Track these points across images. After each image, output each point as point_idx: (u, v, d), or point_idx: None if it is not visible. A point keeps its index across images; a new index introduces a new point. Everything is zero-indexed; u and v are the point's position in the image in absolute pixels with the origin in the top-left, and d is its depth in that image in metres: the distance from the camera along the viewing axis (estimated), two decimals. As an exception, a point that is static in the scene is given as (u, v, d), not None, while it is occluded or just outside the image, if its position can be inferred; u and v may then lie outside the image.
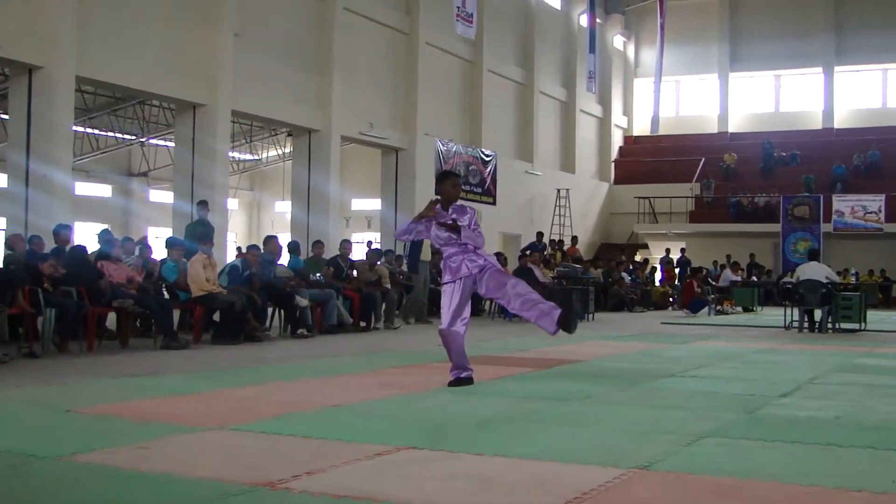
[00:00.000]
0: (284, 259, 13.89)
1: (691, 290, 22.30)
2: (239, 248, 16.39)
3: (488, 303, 18.27)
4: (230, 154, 24.05)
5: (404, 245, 16.75)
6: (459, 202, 7.22)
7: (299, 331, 12.32)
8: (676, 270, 27.59)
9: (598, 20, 33.66)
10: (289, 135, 27.45)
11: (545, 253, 22.93)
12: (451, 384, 6.98)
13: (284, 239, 15.21)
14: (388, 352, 10.43)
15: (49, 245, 11.26)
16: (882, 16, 36.00)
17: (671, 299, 25.61)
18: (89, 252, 11.01)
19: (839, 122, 37.22)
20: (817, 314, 15.54)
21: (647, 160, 37.90)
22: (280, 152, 33.36)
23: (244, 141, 31.24)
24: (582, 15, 33.92)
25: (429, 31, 24.98)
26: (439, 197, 7.20)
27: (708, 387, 7.34)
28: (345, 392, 6.66)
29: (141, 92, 19.34)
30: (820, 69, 37.34)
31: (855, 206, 30.54)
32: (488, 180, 26.67)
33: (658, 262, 29.41)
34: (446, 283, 7.05)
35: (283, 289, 12.46)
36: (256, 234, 35.89)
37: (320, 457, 4.34)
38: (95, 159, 29.75)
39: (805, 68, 37.72)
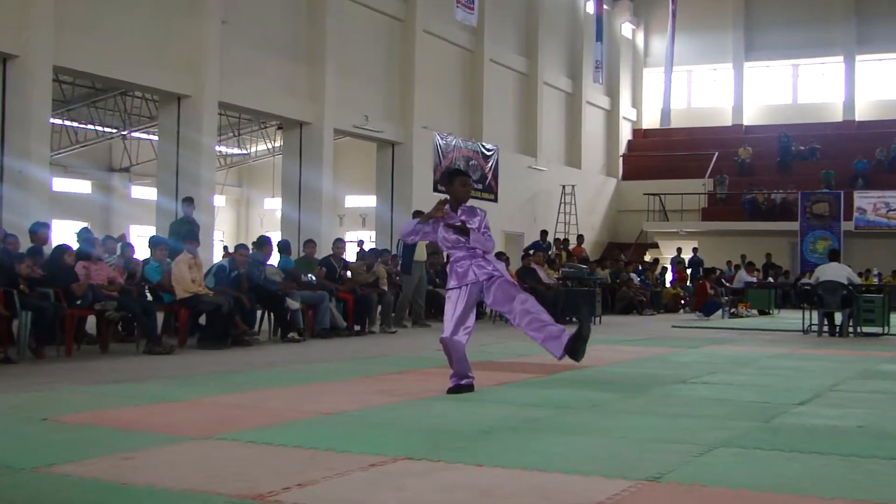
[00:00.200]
0: (274, 259, 13.89)
1: (704, 292, 22.30)
2: (226, 248, 16.39)
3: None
4: (217, 148, 24.04)
5: (397, 245, 16.76)
6: (469, 203, 7.20)
7: (290, 335, 12.33)
8: (688, 271, 27.59)
9: (605, 6, 33.67)
10: (279, 128, 27.45)
11: (549, 253, 22.93)
12: (450, 391, 6.99)
13: (274, 238, 15.22)
14: (384, 357, 10.43)
15: (25, 244, 11.25)
16: (906, 2, 36.03)
17: (682, 301, 25.61)
18: (72, 251, 11.00)
19: (861, 114, 37.22)
20: (837, 317, 15.52)
21: (657, 154, 37.90)
22: (270, 146, 33.37)
23: (232, 134, 31.24)
24: (588, 1, 33.96)
25: (427, 18, 24.98)
26: (448, 197, 7.16)
27: (721, 394, 7.34)
28: (338, 399, 6.66)
29: (122, 82, 19.34)
30: (840, 58, 37.33)
31: (877, 203, 30.53)
32: (489, 176, 26.69)
33: (669, 262, 29.40)
34: (451, 288, 7.03)
35: (273, 291, 12.46)
36: (244, 233, 35.94)
37: (312, 468, 4.34)
38: (74, 153, 29.76)
39: (825, 57, 37.72)
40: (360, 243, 26.99)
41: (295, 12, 21.14)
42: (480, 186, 26.14)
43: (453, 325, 6.94)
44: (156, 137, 24.55)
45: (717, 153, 36.28)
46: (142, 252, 13.48)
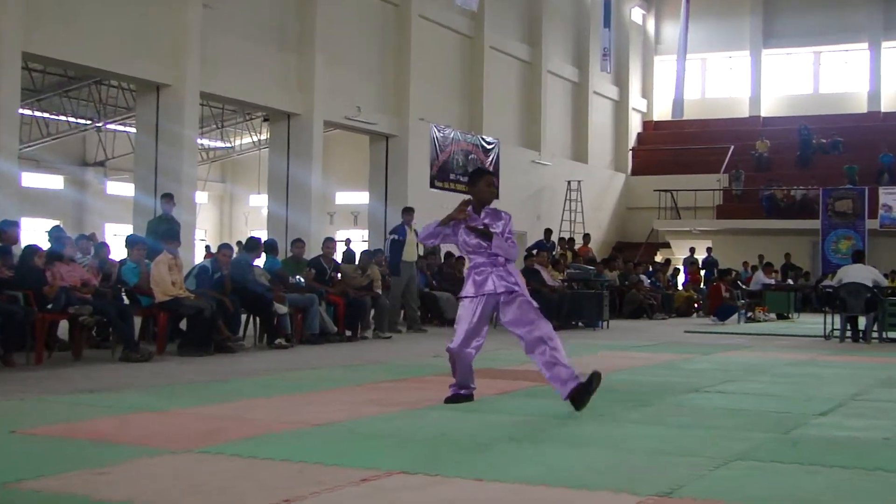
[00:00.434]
0: (260, 260, 13.86)
1: (718, 295, 22.30)
2: (208, 248, 16.39)
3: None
4: (199, 141, 24.05)
5: (385, 244, 16.77)
6: (493, 205, 7.13)
7: (277, 340, 12.31)
8: (702, 272, 27.58)
9: (613, -10, 33.70)
10: (265, 120, 27.46)
11: (554, 253, 22.94)
12: (447, 400, 7.00)
13: (260, 237, 15.22)
14: (378, 364, 10.43)
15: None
16: (935, -16, 36.08)
17: (696, 305, 25.61)
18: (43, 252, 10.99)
19: (887, 104, 37.25)
20: (861, 322, 15.54)
21: (668, 148, 37.92)
22: (255, 139, 33.34)
23: (215, 126, 31.23)
24: (596, -16, 33.96)
25: (423, 2, 24.99)
26: (471, 197, 7.10)
27: (737, 403, 7.35)
28: (328, 409, 6.67)
29: (97, 70, 19.30)
30: (865, 45, 37.39)
31: (904, 201, 30.53)
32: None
33: (681, 262, 29.41)
34: (466, 297, 6.98)
35: (261, 294, 12.45)
36: (228, 232, 35.95)
37: (300, 483, 4.34)
38: (45, 146, 29.71)
39: (848, 44, 37.77)
40: (348, 242, 27.05)
41: (282, -4, 21.14)
42: (480, 182, 26.12)
43: (463, 337, 6.92)
44: (133, 130, 24.51)
45: (732, 147, 36.30)
46: (118, 252, 13.46)
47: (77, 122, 29.33)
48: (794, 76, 39.21)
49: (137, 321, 11.61)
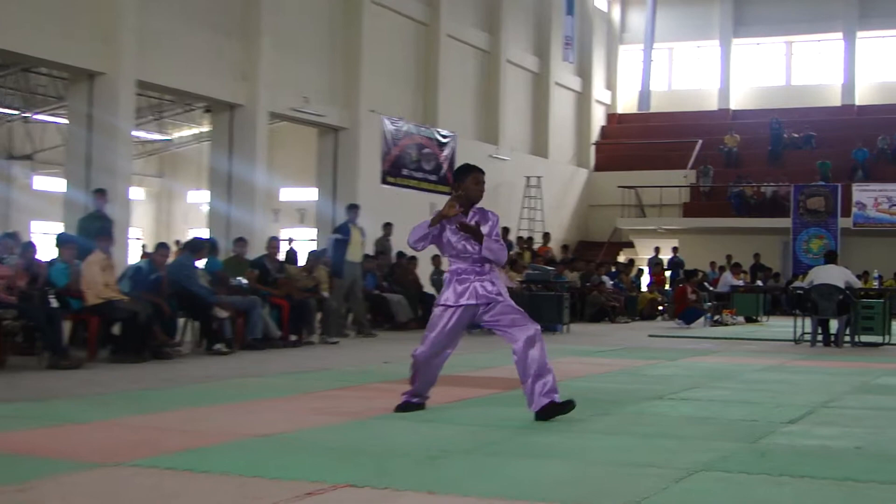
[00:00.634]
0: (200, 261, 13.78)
1: (684, 297, 22.48)
2: (144, 247, 16.25)
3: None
4: (135, 133, 23.83)
5: (328, 242, 16.72)
6: (481, 205, 7.02)
7: (217, 346, 12.25)
8: (667, 273, 27.79)
9: (576, -25, 33.83)
10: (206, 111, 27.25)
11: (511, 253, 23.00)
12: (398, 409, 6.99)
13: (200, 235, 15.12)
14: (324, 371, 10.42)
15: None
16: (912, -27, 36.54)
17: (660, 308, 25.79)
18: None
19: (861, 97, 37.73)
20: (833, 325, 15.70)
21: (633, 142, 38.16)
22: (195, 132, 33.12)
23: (152, 117, 30.97)
24: (557, -31, 34.08)
25: (374, -14, 24.96)
26: (461, 193, 6.94)
27: (703, 411, 7.41)
28: (270, 419, 6.64)
29: (23, 56, 19.07)
30: (840, 35, 37.80)
31: (879, 198, 30.91)
32: (445, 166, 26.70)
33: (645, 263, 29.59)
34: (444, 304, 6.90)
35: (203, 297, 12.35)
36: (165, 230, 35.65)
37: (241, 498, 4.32)
38: (-33, 139, 29.34)
39: (822, 33, 38.20)
40: (290, 241, 26.96)
41: (224, -21, 21.01)
42: (435, 178, 26.16)
43: (431, 346, 6.90)
44: (64, 120, 24.27)
45: (700, 141, 36.58)
46: (46, 252, 13.31)
47: (2, 113, 28.99)
48: (765, 67, 39.61)
49: (67, 325, 11.48)
